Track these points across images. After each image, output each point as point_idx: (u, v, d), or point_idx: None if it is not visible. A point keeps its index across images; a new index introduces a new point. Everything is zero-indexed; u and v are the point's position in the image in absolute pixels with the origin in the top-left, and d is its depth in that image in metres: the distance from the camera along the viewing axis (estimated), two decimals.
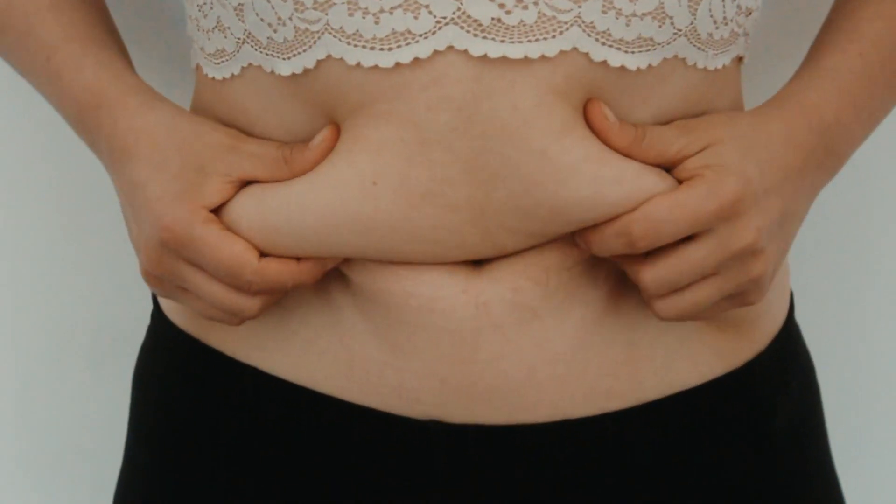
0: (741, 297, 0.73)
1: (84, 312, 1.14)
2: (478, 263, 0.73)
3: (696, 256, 0.70)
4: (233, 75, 0.73)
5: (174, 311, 0.83)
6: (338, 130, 0.70)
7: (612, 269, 0.74)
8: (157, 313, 0.86)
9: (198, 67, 0.78)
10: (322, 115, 0.71)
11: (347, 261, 0.73)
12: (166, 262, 0.73)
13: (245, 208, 0.72)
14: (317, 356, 0.76)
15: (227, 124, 0.75)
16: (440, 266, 0.72)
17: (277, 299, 0.75)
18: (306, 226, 0.71)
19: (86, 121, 0.77)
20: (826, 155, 0.75)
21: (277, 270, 0.72)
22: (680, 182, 0.70)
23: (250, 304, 0.73)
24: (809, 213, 0.78)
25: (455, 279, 0.72)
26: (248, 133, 0.74)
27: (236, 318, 0.74)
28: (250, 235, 0.72)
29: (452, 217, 0.69)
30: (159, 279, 0.75)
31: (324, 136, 0.70)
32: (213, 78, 0.75)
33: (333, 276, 0.75)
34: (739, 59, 0.77)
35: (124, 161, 0.74)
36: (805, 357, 0.87)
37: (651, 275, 0.70)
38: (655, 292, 0.71)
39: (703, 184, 0.69)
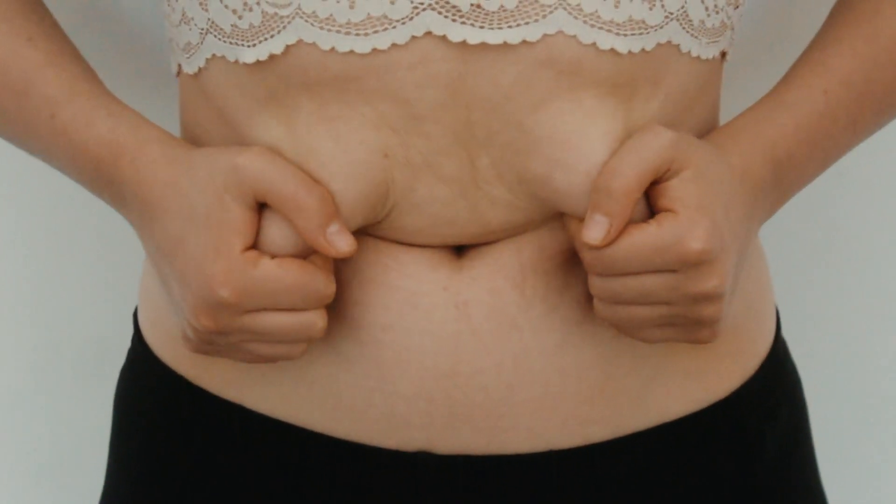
0: (689, 331, 0.71)
1: (69, 327, 1.12)
2: (459, 254, 0.73)
3: (649, 283, 0.68)
4: (200, 69, 0.73)
5: (156, 343, 0.81)
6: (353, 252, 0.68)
7: (587, 293, 0.73)
8: (138, 341, 0.83)
9: (178, 68, 0.77)
10: (298, 93, 0.69)
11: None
12: (224, 321, 0.69)
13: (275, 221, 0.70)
14: (306, 389, 0.75)
15: (206, 118, 0.75)
16: (424, 260, 0.72)
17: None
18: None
19: (104, 175, 0.74)
20: (774, 189, 0.74)
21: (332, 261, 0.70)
22: (648, 199, 0.69)
23: (320, 315, 0.70)
24: (794, 219, 0.76)
25: (437, 276, 0.71)
26: (224, 123, 0.73)
27: (305, 342, 0.71)
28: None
29: (446, 189, 0.70)
30: (210, 342, 0.72)
31: (344, 248, 0.68)
32: (188, 73, 0.75)
33: None
34: (723, 55, 0.76)
35: (157, 217, 0.71)
36: (792, 375, 0.85)
37: (599, 280, 0.69)
38: (598, 294, 0.70)
39: (672, 227, 0.67)
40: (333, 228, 0.68)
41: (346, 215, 0.69)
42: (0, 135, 0.80)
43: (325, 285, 0.69)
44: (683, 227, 0.66)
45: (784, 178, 0.74)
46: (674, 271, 0.67)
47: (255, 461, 0.77)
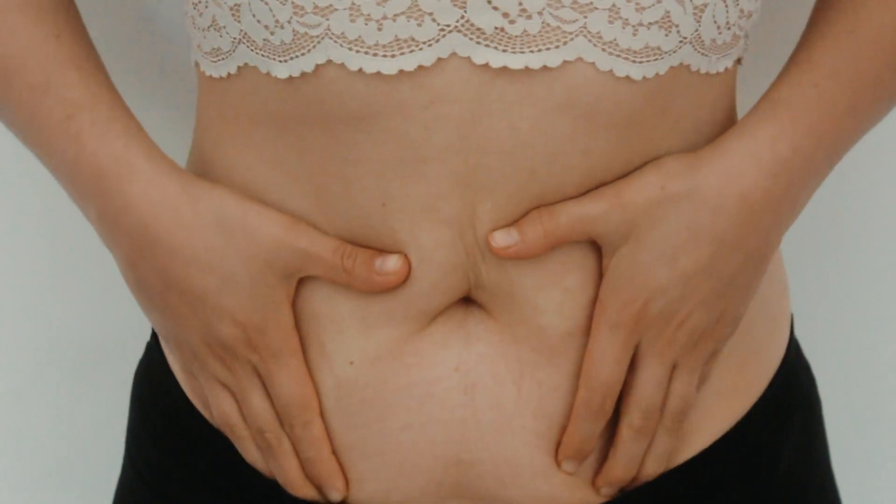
0: (712, 362, 0.76)
1: (72, 325, 1.13)
2: (462, 322, 0.74)
3: (651, 384, 0.73)
4: (229, 74, 0.73)
5: (172, 358, 0.83)
6: (409, 263, 0.71)
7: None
8: (155, 347, 0.85)
9: (196, 65, 0.77)
10: (314, 124, 0.70)
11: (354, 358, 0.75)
12: (230, 361, 0.75)
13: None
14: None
15: (225, 125, 0.75)
16: (437, 338, 0.73)
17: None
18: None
19: (104, 188, 0.73)
20: (786, 191, 0.73)
21: (317, 437, 0.75)
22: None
23: (285, 451, 0.76)
24: (805, 215, 0.78)
25: (448, 354, 0.73)
26: (242, 138, 0.74)
27: (257, 444, 0.76)
28: None
29: (446, 232, 0.71)
30: (210, 371, 0.76)
31: (398, 266, 0.71)
32: (211, 76, 0.75)
33: (337, 387, 0.75)
34: (737, 61, 0.77)
35: (176, 263, 0.73)
36: (805, 376, 0.86)
37: (630, 419, 0.74)
38: (632, 427, 0.74)
39: (604, 331, 0.71)
40: (378, 266, 0.71)
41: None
42: (5, 118, 0.78)
43: (302, 424, 0.74)
44: (613, 315, 0.71)
45: (796, 175, 0.73)
46: (644, 350, 0.73)
47: (250, 494, 0.80)
